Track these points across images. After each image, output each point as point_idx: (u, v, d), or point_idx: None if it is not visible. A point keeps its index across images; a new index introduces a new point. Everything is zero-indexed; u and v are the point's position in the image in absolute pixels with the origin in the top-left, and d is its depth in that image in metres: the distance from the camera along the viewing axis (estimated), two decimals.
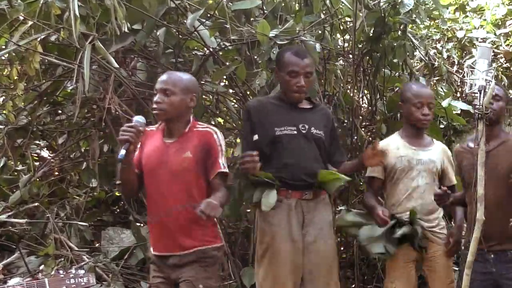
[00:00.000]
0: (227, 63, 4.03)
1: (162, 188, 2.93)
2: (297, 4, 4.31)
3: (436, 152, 3.50)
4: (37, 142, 4.87)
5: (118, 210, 5.32)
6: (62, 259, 4.10)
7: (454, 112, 4.83)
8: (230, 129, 4.69)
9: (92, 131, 4.23)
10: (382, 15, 4.23)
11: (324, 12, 4.31)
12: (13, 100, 3.72)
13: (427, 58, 5.34)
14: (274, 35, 3.71)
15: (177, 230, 2.91)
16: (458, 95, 5.66)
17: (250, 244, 4.29)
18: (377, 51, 4.43)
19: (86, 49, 3.27)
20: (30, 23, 3.27)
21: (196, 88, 3.07)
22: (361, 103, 5.13)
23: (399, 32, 4.37)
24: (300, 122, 3.26)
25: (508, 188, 3.07)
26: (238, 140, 4.55)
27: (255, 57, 3.93)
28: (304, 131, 3.26)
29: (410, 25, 4.64)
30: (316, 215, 3.27)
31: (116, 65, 3.54)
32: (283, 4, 4.09)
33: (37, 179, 4.61)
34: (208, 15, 3.93)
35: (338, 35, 4.82)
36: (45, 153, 5.08)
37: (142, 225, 4.54)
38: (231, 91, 4.54)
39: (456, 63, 5.97)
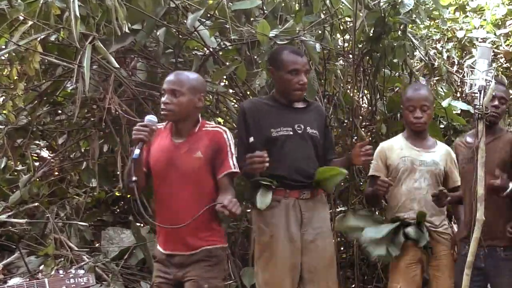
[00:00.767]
0: (227, 63, 4.03)
1: (172, 188, 2.92)
2: (297, 4, 4.31)
3: (439, 154, 3.50)
4: (37, 142, 4.85)
5: (118, 210, 5.33)
6: (62, 259, 4.09)
7: (454, 112, 4.84)
8: (230, 129, 4.67)
9: (92, 131, 4.22)
10: (382, 15, 4.23)
11: (324, 12, 4.31)
12: (13, 100, 3.70)
13: (427, 58, 5.33)
14: (274, 35, 3.70)
15: (186, 232, 2.89)
16: (458, 95, 5.66)
17: (250, 244, 4.28)
18: (377, 51, 4.43)
19: (86, 49, 3.27)
20: (30, 23, 3.26)
21: (203, 88, 3.05)
22: (361, 103, 5.13)
23: (399, 32, 4.37)
24: (296, 122, 3.27)
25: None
26: None
27: (255, 57, 3.93)
28: (300, 131, 3.26)
29: (410, 25, 4.64)
30: (315, 214, 3.27)
31: (116, 65, 3.53)
32: (283, 4, 4.09)
33: (37, 179, 4.60)
34: (208, 15, 3.92)
35: (338, 35, 4.82)
36: (45, 153, 5.07)
37: (142, 225, 4.54)
38: (231, 91, 4.54)
39: (456, 63, 5.96)
